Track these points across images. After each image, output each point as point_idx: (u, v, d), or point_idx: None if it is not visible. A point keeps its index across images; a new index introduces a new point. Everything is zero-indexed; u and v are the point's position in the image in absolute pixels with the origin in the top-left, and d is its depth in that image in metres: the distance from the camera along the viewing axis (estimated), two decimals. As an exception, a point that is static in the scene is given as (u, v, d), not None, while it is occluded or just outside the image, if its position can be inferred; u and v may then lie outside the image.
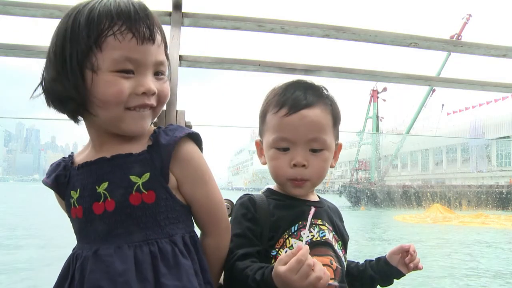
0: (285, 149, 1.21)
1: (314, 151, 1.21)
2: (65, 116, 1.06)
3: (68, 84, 0.98)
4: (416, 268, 1.29)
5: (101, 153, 1.05)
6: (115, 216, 1.00)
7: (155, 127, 1.09)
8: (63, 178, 1.09)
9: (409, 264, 1.28)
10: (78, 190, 1.04)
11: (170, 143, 1.03)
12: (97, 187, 1.01)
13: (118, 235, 0.99)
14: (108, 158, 1.03)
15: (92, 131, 1.08)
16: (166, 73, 1.08)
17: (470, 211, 30.69)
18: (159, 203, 1.02)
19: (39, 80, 1.07)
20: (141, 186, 1.00)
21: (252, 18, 1.63)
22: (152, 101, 1.03)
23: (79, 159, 1.10)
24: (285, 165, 1.20)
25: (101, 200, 1.01)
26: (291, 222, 1.18)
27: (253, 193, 1.26)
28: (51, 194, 1.15)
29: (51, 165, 1.14)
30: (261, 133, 1.30)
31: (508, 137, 47.48)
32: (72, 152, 1.16)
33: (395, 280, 1.32)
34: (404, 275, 1.30)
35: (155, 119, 1.14)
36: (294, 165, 1.20)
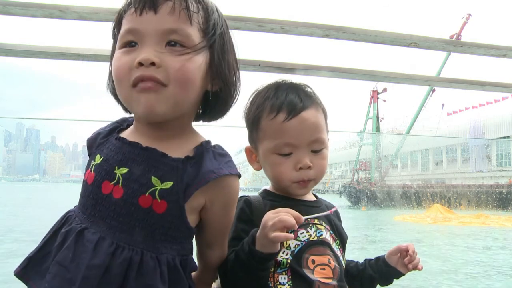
0: (287, 154, 1.21)
1: (315, 151, 1.22)
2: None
3: (109, 79, 1.04)
4: (416, 268, 1.29)
5: (139, 139, 1.00)
6: (116, 206, 0.94)
7: (204, 141, 1.02)
8: (101, 137, 1.05)
9: (408, 264, 1.28)
10: (102, 158, 1.00)
11: (215, 170, 0.97)
12: (116, 167, 0.96)
13: (110, 226, 0.93)
14: (143, 146, 0.98)
15: (136, 123, 1.06)
16: (189, 44, 0.95)
17: (470, 211, 30.68)
18: (165, 217, 0.95)
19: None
20: (157, 192, 0.94)
21: (252, 18, 1.63)
22: (156, 73, 0.91)
23: (125, 132, 1.06)
24: (290, 169, 1.21)
25: (112, 182, 0.95)
26: None
27: (250, 194, 1.26)
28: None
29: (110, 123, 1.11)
30: (253, 140, 1.28)
31: (508, 137, 47.49)
32: (130, 117, 1.08)
33: (395, 280, 1.33)
34: (403, 275, 1.30)
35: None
36: (300, 168, 1.20)
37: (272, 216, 1.02)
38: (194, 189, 0.96)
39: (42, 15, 1.51)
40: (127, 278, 0.90)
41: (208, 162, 0.98)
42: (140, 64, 0.92)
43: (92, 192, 0.98)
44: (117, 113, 1.12)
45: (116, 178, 0.95)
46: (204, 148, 1.00)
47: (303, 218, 1.06)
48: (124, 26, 0.97)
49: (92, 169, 1.00)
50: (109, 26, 1.09)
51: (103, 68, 1.20)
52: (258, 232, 1.04)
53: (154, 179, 0.94)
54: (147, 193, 0.94)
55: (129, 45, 0.96)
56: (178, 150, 0.99)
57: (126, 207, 0.94)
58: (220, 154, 1.01)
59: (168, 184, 0.95)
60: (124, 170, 0.96)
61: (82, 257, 0.90)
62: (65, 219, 1.01)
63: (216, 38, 1.00)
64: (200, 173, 0.96)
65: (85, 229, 0.94)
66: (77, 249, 0.92)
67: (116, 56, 0.98)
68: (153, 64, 0.91)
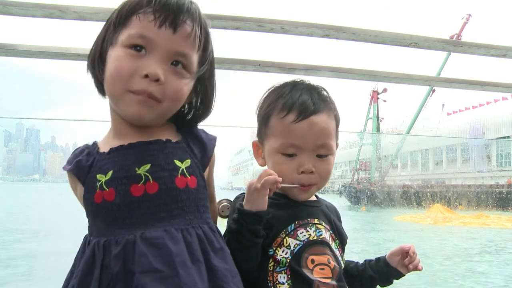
0: (291, 155, 1.20)
1: (320, 156, 1.21)
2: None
3: (93, 58, 1.05)
4: (416, 268, 1.29)
5: (126, 140, 1.04)
6: (158, 199, 0.98)
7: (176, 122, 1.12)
8: (85, 162, 1.05)
9: (409, 265, 1.28)
10: (110, 172, 0.99)
11: (213, 140, 1.12)
12: (136, 169, 0.98)
13: (161, 219, 0.97)
14: (147, 141, 1.03)
15: (113, 117, 1.08)
16: (190, 69, 1.04)
17: (470, 211, 30.67)
18: (199, 189, 1.04)
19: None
20: (185, 170, 1.02)
21: (252, 18, 1.63)
22: (155, 91, 0.97)
23: (105, 147, 1.06)
24: (292, 171, 1.20)
25: (141, 182, 0.98)
26: (287, 222, 1.19)
27: None
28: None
29: (73, 151, 1.11)
30: (261, 136, 1.29)
31: (508, 137, 47.48)
32: (95, 141, 1.11)
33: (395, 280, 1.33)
34: (403, 275, 1.30)
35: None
36: (302, 172, 1.20)
37: (255, 179, 1.10)
38: (208, 159, 1.09)
39: (42, 15, 1.51)
40: (205, 249, 0.98)
41: (204, 135, 1.12)
42: (146, 76, 0.97)
43: (120, 204, 0.97)
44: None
45: (143, 177, 0.98)
46: (185, 128, 1.11)
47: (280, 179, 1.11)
48: (138, 29, 0.98)
49: (104, 187, 0.99)
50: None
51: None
52: (245, 195, 1.12)
53: (177, 162, 1.02)
54: (179, 174, 1.01)
55: (135, 48, 0.98)
56: (172, 137, 1.07)
57: (169, 195, 0.99)
58: (203, 130, 1.14)
59: (187, 162, 1.04)
60: (147, 166, 0.99)
61: (162, 253, 0.93)
62: (97, 247, 0.96)
63: (208, 66, 1.10)
64: (206, 146, 1.09)
65: (143, 233, 0.95)
66: (152, 250, 0.92)
67: (119, 54, 0.99)
68: (157, 80, 0.97)
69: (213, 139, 1.13)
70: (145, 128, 1.05)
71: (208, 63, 1.08)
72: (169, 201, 0.99)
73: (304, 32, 1.71)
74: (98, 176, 1.00)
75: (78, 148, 1.11)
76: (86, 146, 1.10)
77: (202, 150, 1.08)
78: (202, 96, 1.12)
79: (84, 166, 1.04)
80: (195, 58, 1.04)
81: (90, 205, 1.01)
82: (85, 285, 0.93)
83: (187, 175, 1.02)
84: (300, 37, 1.76)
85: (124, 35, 0.99)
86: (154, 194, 0.97)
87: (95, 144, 1.09)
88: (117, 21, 1.02)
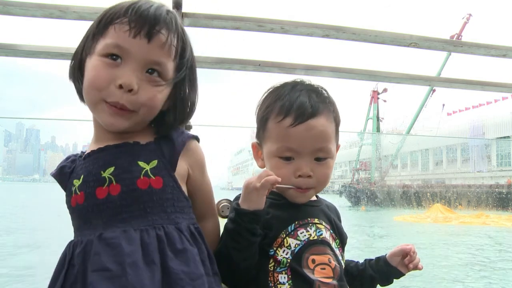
0: (289, 159, 1.19)
1: (318, 160, 1.20)
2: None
3: (73, 68, 1.08)
4: (416, 268, 1.29)
5: (104, 144, 1.07)
6: (120, 201, 1.00)
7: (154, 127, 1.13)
8: (67, 168, 1.11)
9: (409, 264, 1.28)
10: (82, 177, 1.05)
11: (183, 137, 1.10)
12: (102, 172, 1.02)
13: (123, 220, 0.99)
14: (115, 144, 1.06)
15: (94, 123, 1.11)
16: (165, 76, 1.05)
17: (470, 211, 30.67)
18: (166, 189, 1.03)
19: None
20: (149, 171, 1.02)
21: (252, 18, 1.63)
22: (128, 102, 1.00)
23: (87, 153, 1.12)
24: (289, 175, 1.19)
25: (105, 185, 1.01)
26: (287, 222, 1.19)
27: None
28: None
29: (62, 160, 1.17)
30: (260, 138, 1.28)
31: (508, 137, 47.46)
32: (83, 151, 1.17)
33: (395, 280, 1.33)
34: (403, 275, 1.31)
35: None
36: (299, 176, 1.19)
37: (252, 177, 1.10)
38: (177, 156, 1.07)
39: (42, 15, 1.51)
40: (163, 251, 0.97)
41: (175, 135, 1.10)
42: (121, 86, 0.99)
43: (88, 206, 1.02)
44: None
45: (107, 180, 1.01)
46: (163, 130, 1.11)
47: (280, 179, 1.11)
48: (113, 39, 1.01)
49: (77, 191, 1.05)
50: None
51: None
52: (241, 194, 1.11)
53: (141, 163, 1.03)
54: (141, 176, 1.02)
55: (111, 57, 1.01)
56: (144, 138, 1.09)
57: (130, 197, 1.00)
58: (178, 129, 1.14)
59: (154, 163, 1.04)
60: (111, 169, 1.02)
61: (116, 253, 0.94)
62: (71, 247, 1.02)
63: (186, 72, 1.11)
64: (175, 144, 1.08)
65: (102, 234, 0.97)
66: (106, 250, 0.95)
67: (96, 62, 1.02)
68: (130, 90, 1.00)
69: (183, 136, 1.11)
70: (121, 133, 1.07)
71: (185, 69, 1.10)
72: (131, 202, 1.00)
73: (304, 32, 1.71)
74: (74, 181, 1.06)
75: (67, 156, 1.17)
76: (74, 155, 1.16)
77: (171, 148, 1.08)
78: (182, 99, 1.13)
79: (66, 172, 1.11)
80: (170, 65, 1.06)
81: (69, 209, 1.07)
82: (56, 282, 1.00)
83: (151, 176, 1.02)
84: (300, 37, 1.76)
85: (101, 45, 1.02)
86: (116, 196, 1.00)
87: (83, 152, 1.14)
88: (96, 31, 1.05)
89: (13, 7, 1.50)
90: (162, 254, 0.97)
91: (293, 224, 1.19)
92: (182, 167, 1.09)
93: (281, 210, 1.21)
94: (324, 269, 1.15)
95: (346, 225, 1.33)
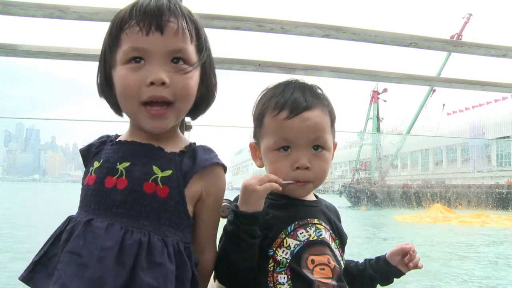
0: (286, 149, 1.20)
1: (316, 148, 1.21)
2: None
3: (101, 85, 1.10)
4: (416, 267, 1.29)
5: (133, 139, 1.10)
6: (122, 195, 1.01)
7: (192, 142, 1.15)
8: (94, 148, 1.14)
9: (409, 263, 1.28)
10: (101, 161, 1.07)
11: (207, 160, 1.09)
12: (118, 163, 1.05)
13: (116, 214, 1.00)
14: (141, 143, 1.08)
15: (130, 120, 1.13)
16: (190, 61, 1.06)
17: (470, 211, 30.67)
18: (169, 202, 1.03)
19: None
20: (159, 179, 1.03)
21: (252, 18, 1.63)
22: (165, 93, 1.02)
23: (121, 137, 1.15)
24: (287, 168, 1.20)
25: (116, 176, 1.03)
26: (286, 222, 1.19)
27: None
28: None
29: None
30: (257, 136, 1.29)
31: (508, 137, 47.48)
32: (116, 134, 1.19)
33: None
34: (404, 274, 1.31)
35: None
36: (297, 168, 1.20)
37: (251, 179, 1.10)
38: (192, 173, 1.07)
39: (42, 15, 1.51)
40: (139, 257, 0.96)
41: (201, 153, 1.10)
42: (152, 83, 1.00)
43: (95, 189, 1.05)
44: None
45: (119, 172, 1.04)
46: (195, 145, 1.13)
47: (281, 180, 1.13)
48: (129, 43, 1.02)
49: (93, 172, 1.07)
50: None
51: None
52: (240, 196, 1.11)
53: (155, 168, 1.04)
54: (150, 180, 1.03)
55: (134, 60, 1.02)
56: (171, 147, 1.10)
57: (132, 195, 1.01)
58: (209, 149, 1.14)
59: (168, 172, 1.04)
60: (127, 164, 1.04)
61: (93, 242, 0.96)
62: (68, 222, 1.06)
63: (207, 52, 1.12)
64: (196, 162, 1.08)
65: (92, 220, 1.00)
66: (87, 236, 0.98)
67: (122, 72, 1.03)
68: (163, 83, 1.01)
69: (207, 158, 1.10)
70: (154, 134, 1.08)
71: (206, 49, 1.11)
72: (130, 201, 1.01)
73: (304, 32, 1.72)
74: (95, 163, 1.09)
75: (103, 135, 1.19)
76: (108, 136, 1.18)
77: (192, 165, 1.07)
78: (208, 84, 1.14)
79: (92, 151, 1.14)
80: (191, 49, 1.07)
81: (82, 185, 1.10)
82: (43, 249, 1.05)
83: (159, 184, 1.02)
84: (300, 37, 1.76)
85: (120, 54, 1.04)
86: (121, 189, 1.02)
87: (117, 136, 1.17)
88: (111, 43, 1.06)
89: (13, 7, 1.50)
90: (136, 261, 0.96)
91: (293, 225, 1.19)
92: (195, 187, 1.08)
93: (281, 210, 1.21)
94: (323, 269, 1.15)
95: (346, 225, 1.33)
